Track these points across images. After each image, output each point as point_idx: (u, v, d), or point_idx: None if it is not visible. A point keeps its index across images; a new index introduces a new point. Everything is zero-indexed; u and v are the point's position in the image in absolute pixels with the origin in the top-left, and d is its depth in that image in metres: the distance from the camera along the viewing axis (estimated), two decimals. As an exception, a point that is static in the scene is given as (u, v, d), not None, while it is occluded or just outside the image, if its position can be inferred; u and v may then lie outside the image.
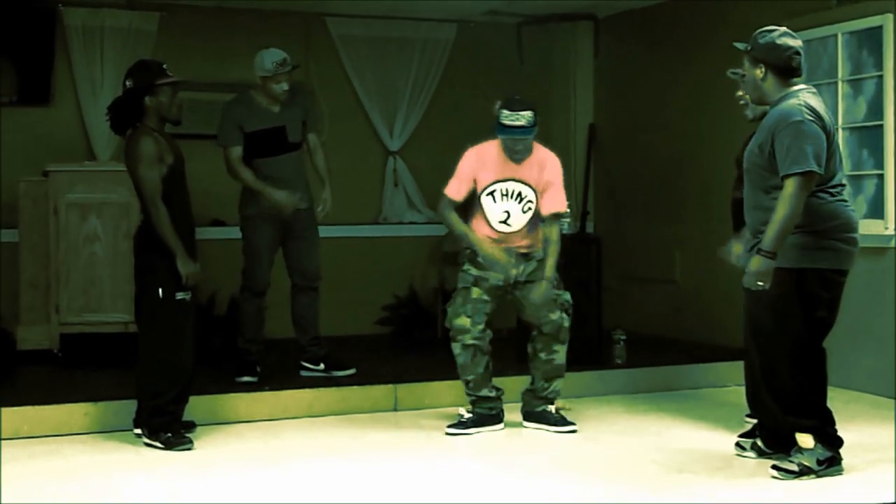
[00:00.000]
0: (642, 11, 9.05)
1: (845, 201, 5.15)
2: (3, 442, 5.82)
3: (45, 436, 6.02)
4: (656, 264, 8.94)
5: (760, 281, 4.92)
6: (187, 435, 5.85)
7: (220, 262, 7.33)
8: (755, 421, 5.61)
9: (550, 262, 6.05)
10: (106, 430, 6.11)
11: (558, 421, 6.19)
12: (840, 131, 6.93)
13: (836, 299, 5.13)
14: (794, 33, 5.19)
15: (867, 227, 6.84)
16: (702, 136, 8.41)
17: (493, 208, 6.08)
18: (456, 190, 6.11)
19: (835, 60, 7.29)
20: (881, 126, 7.01)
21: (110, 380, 6.66)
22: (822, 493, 4.91)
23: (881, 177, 7.02)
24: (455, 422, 6.18)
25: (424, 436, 6.12)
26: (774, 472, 5.10)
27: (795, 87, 5.12)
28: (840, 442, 5.16)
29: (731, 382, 7.22)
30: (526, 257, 6.16)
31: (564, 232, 7.49)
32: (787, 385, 5.09)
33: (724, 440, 5.79)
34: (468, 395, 6.20)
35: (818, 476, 5.05)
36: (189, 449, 5.75)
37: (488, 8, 9.01)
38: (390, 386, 6.79)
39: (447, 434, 6.10)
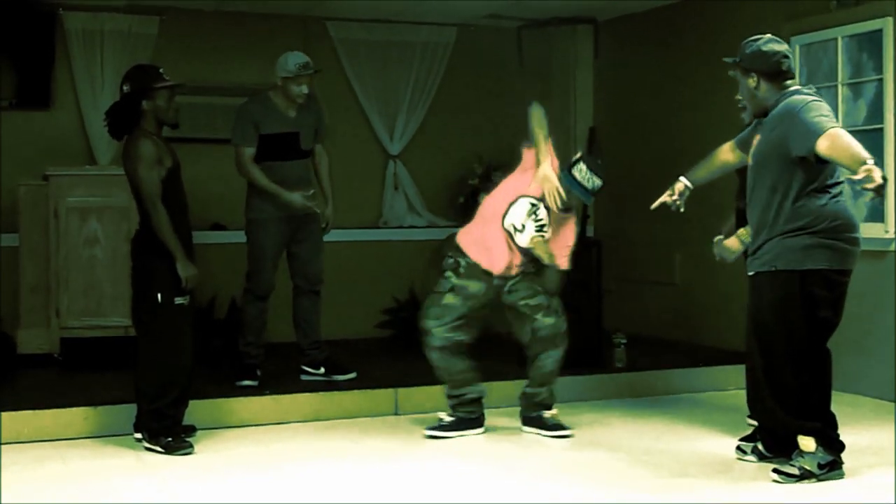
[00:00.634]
0: (642, 15, 9.05)
1: (844, 201, 5.18)
2: (3, 446, 5.81)
3: (45, 440, 6.02)
4: (656, 267, 8.94)
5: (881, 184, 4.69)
6: (187, 439, 5.85)
7: (220, 265, 7.34)
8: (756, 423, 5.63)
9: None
10: (106, 434, 6.10)
11: (554, 426, 6.18)
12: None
13: (840, 299, 5.14)
14: (778, 39, 5.27)
15: (867, 231, 6.84)
16: (702, 139, 8.39)
17: (518, 213, 6.06)
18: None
19: (835, 64, 7.29)
20: (881, 129, 7.01)
21: (110, 384, 6.65)
22: (822, 496, 4.91)
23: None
24: (434, 424, 6.18)
25: (424, 440, 6.11)
26: (775, 476, 5.09)
27: (791, 88, 5.17)
28: (842, 446, 5.15)
29: (731, 386, 7.22)
30: (509, 293, 6.17)
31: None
32: (791, 387, 5.08)
33: (724, 444, 5.78)
34: (448, 396, 6.19)
35: (819, 480, 5.04)
36: (189, 453, 5.75)
37: (488, 11, 9.02)
38: (391, 390, 6.79)
39: (426, 436, 6.11)
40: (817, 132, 4.91)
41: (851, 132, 7.13)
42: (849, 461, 5.18)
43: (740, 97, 5.74)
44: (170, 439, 5.75)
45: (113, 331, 7.39)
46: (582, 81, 9.75)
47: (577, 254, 7.49)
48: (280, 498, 5.03)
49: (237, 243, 7.13)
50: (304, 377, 7.05)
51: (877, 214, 7.04)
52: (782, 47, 5.22)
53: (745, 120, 5.76)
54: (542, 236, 6.04)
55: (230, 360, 7.06)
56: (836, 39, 7.28)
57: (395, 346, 8.49)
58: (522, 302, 6.13)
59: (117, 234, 7.34)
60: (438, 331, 6.06)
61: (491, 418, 6.54)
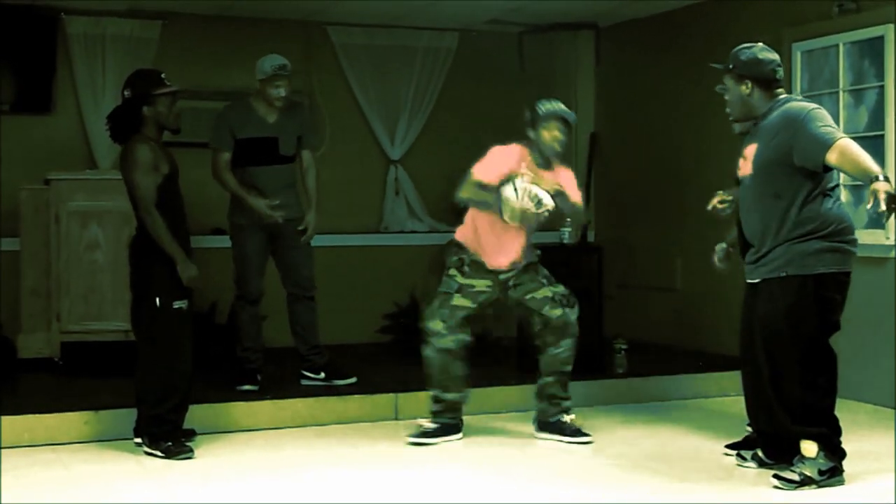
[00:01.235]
0: (644, 20, 9.06)
1: (842, 203, 5.25)
2: (3, 450, 5.81)
3: (45, 444, 6.02)
4: (657, 273, 8.94)
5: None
6: (188, 444, 5.85)
7: (220, 270, 7.32)
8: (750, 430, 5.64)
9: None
10: (106, 438, 6.10)
11: (574, 431, 6.15)
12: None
13: (845, 300, 5.18)
14: (769, 47, 5.32)
15: (868, 237, 6.85)
16: (703, 144, 8.41)
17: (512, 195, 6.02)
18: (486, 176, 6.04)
19: (836, 70, 7.30)
20: (882, 136, 7.01)
21: (111, 388, 6.64)
22: (823, 502, 4.90)
23: (882, 186, 7.01)
24: (416, 432, 6.17)
25: (425, 445, 6.10)
26: (776, 482, 5.10)
27: (783, 96, 5.21)
28: (843, 454, 5.15)
29: (732, 391, 7.19)
30: (515, 287, 6.15)
31: (565, 241, 7.54)
32: (799, 394, 5.08)
33: (724, 448, 5.78)
34: (435, 401, 6.17)
35: (819, 486, 5.04)
36: (189, 458, 5.74)
37: (490, 17, 9.02)
38: (391, 395, 6.79)
39: (409, 444, 6.10)
40: (826, 144, 4.93)
41: (853, 138, 7.18)
42: (849, 468, 5.18)
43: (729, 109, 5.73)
44: (170, 444, 5.75)
45: (113, 335, 7.38)
46: (583, 87, 9.76)
47: (579, 260, 7.54)
48: (280, 503, 5.02)
49: (238, 249, 7.13)
50: (304, 382, 7.05)
51: (877, 221, 7.03)
52: (775, 56, 5.29)
53: (735, 130, 5.75)
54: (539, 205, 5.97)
55: (231, 364, 7.06)
56: (837, 46, 7.28)
57: (396, 351, 8.48)
58: (528, 296, 6.11)
59: (118, 239, 7.33)
60: (447, 333, 6.05)
61: (491, 423, 6.56)
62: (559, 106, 6.07)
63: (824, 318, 5.09)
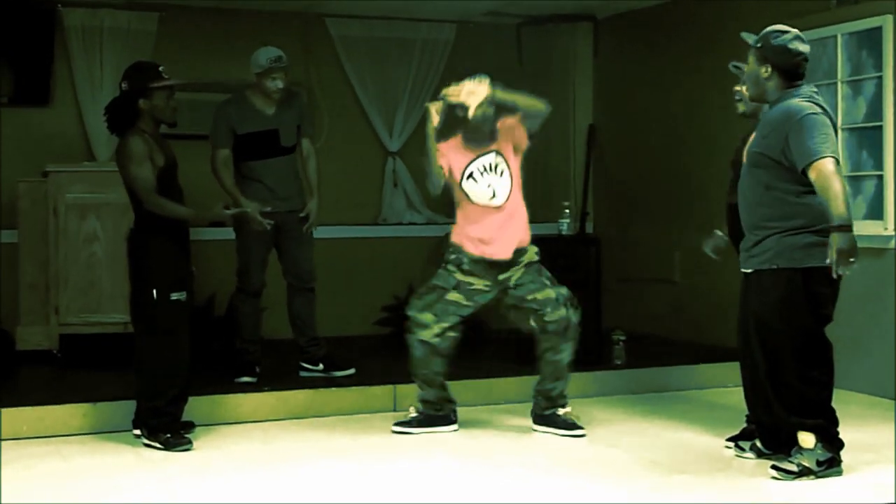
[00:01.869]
0: (642, 12, 9.05)
1: None
2: (2, 442, 5.82)
3: (44, 436, 6.02)
4: (656, 265, 8.94)
5: (852, 257, 4.82)
6: (186, 435, 5.85)
7: (219, 263, 7.33)
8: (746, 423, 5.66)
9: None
10: (105, 430, 6.11)
11: (568, 425, 6.13)
12: (839, 132, 6.92)
13: (837, 294, 5.16)
14: (803, 37, 5.19)
15: (866, 228, 6.85)
16: (701, 136, 8.41)
17: (478, 188, 6.05)
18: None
19: (834, 61, 7.29)
20: (881, 127, 7.01)
21: (109, 380, 6.65)
22: (821, 493, 4.91)
23: (881, 178, 7.02)
24: (402, 420, 6.19)
25: (424, 436, 6.11)
26: (774, 473, 5.10)
27: (795, 89, 5.13)
28: (841, 444, 5.16)
29: (731, 383, 7.19)
30: (513, 263, 6.09)
31: (564, 233, 7.54)
32: (794, 385, 5.08)
33: (724, 441, 5.78)
34: (419, 389, 6.19)
35: (818, 477, 5.05)
36: (188, 449, 5.75)
37: (488, 9, 9.01)
38: (389, 386, 6.79)
39: (392, 431, 6.12)
40: (808, 159, 4.91)
41: (851, 130, 7.19)
42: (847, 458, 5.19)
43: (738, 89, 5.73)
44: (169, 436, 5.76)
45: (112, 327, 7.39)
46: (581, 79, 9.75)
47: (577, 252, 7.54)
48: (278, 494, 5.03)
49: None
50: (302, 374, 7.06)
51: (876, 212, 7.04)
52: (806, 48, 5.16)
53: (738, 110, 5.76)
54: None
55: (229, 356, 7.06)
56: (835, 37, 7.27)
57: (394, 342, 8.42)
58: (530, 296, 6.06)
59: (116, 231, 7.32)
60: (433, 328, 6.03)
61: (490, 415, 6.56)
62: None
63: (814, 311, 5.08)
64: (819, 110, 5.03)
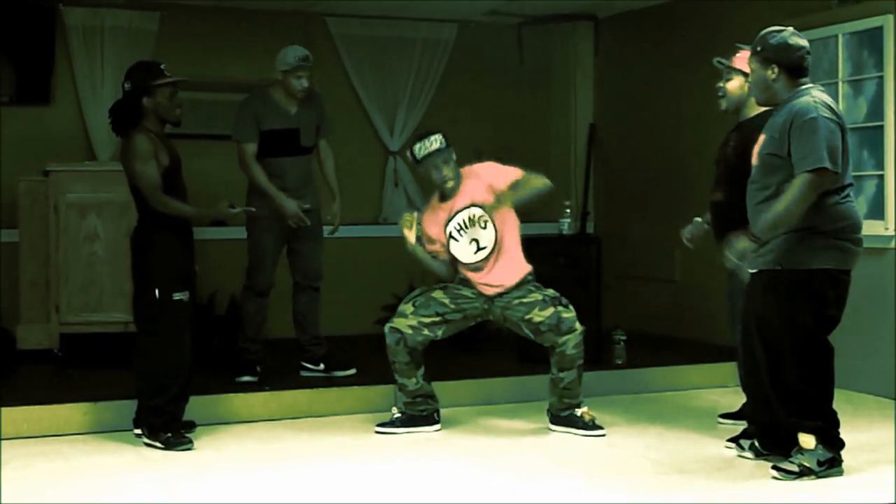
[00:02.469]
0: (643, 12, 9.05)
1: (853, 202, 5.16)
2: (2, 441, 5.82)
3: (44, 435, 6.02)
4: (656, 263, 8.94)
5: (741, 261, 5.00)
6: (187, 435, 5.85)
7: (220, 262, 7.33)
8: (744, 423, 5.66)
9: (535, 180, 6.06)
10: (106, 429, 6.10)
11: (588, 425, 6.11)
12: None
13: (843, 297, 5.14)
14: (799, 33, 5.21)
15: (867, 228, 6.80)
16: (702, 135, 8.40)
17: (461, 247, 6.09)
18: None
19: (835, 61, 7.29)
20: (881, 127, 7.01)
21: (110, 379, 6.65)
22: (822, 493, 4.91)
23: (881, 177, 7.02)
24: (386, 420, 6.20)
25: (424, 436, 6.12)
26: (775, 473, 5.10)
27: (805, 86, 5.13)
28: (841, 444, 5.16)
29: (731, 382, 7.20)
30: (501, 296, 6.12)
31: (564, 232, 7.54)
32: (794, 386, 5.08)
33: (723, 441, 5.78)
34: (400, 390, 6.20)
35: (818, 477, 5.05)
36: (189, 449, 5.75)
37: (489, 8, 9.01)
38: (390, 386, 6.76)
39: (376, 432, 6.13)
40: (800, 164, 4.91)
41: (852, 129, 7.18)
42: (848, 458, 5.19)
43: (721, 85, 5.76)
44: (169, 435, 5.76)
45: (113, 327, 7.39)
46: (582, 78, 9.75)
47: (578, 251, 7.53)
48: (279, 494, 5.03)
49: (238, 239, 7.13)
50: (303, 373, 7.06)
51: (877, 212, 7.04)
52: (805, 42, 5.16)
53: (720, 106, 5.78)
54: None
55: (230, 356, 7.06)
56: (836, 37, 7.27)
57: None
58: (516, 301, 6.08)
59: (117, 230, 7.33)
60: (409, 319, 6.07)
61: (490, 415, 6.56)
62: (430, 147, 6.05)
63: (818, 313, 5.07)
64: (826, 113, 5.00)
